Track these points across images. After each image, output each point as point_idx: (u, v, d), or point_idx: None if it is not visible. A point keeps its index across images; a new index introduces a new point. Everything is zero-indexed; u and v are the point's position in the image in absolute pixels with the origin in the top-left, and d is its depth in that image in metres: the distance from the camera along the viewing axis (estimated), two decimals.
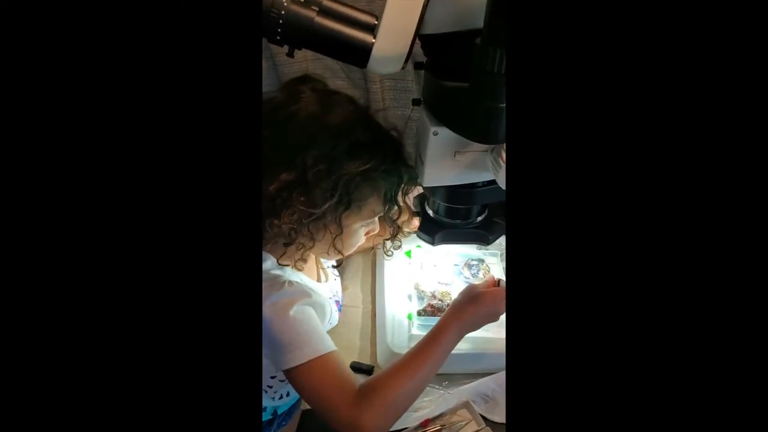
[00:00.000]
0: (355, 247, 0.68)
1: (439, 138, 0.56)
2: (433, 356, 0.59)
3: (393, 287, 0.81)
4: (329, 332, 0.79)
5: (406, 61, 0.50)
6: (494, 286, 0.67)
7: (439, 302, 0.78)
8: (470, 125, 0.51)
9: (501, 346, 0.72)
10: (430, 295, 0.79)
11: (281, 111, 0.56)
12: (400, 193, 0.65)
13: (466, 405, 0.66)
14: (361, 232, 0.66)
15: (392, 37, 0.48)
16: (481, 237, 0.69)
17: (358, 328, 0.80)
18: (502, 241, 0.74)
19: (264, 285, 0.59)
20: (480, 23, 0.44)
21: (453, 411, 0.66)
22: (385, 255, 0.81)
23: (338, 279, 0.82)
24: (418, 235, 0.69)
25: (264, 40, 0.48)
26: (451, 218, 0.67)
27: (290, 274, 0.64)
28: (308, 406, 0.67)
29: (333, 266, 0.76)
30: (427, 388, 0.69)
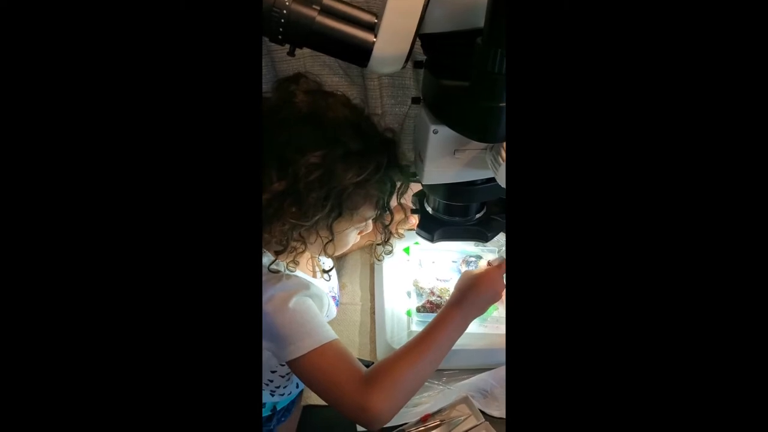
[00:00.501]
0: (348, 247, 0.68)
1: (439, 136, 0.56)
2: (438, 341, 0.60)
3: (392, 284, 0.81)
4: None
5: (407, 60, 0.50)
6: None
7: (438, 299, 0.78)
8: (470, 124, 0.52)
9: (498, 342, 0.73)
10: (429, 291, 0.80)
11: (273, 115, 0.56)
12: (394, 195, 0.65)
13: (465, 400, 0.67)
14: (353, 234, 0.66)
15: (393, 36, 0.48)
16: (480, 234, 0.69)
17: (357, 325, 0.81)
18: (499, 237, 0.74)
19: (262, 279, 0.59)
20: (480, 23, 0.44)
21: (452, 406, 0.67)
22: (376, 260, 0.81)
23: (334, 276, 0.83)
24: (417, 233, 0.69)
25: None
26: (450, 215, 0.67)
27: (286, 268, 0.64)
28: (309, 402, 0.68)
29: (324, 271, 0.76)
30: (427, 383, 0.70)
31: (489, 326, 0.75)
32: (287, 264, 0.62)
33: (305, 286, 0.61)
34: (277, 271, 0.61)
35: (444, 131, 0.55)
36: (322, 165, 0.53)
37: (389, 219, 0.64)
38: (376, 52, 0.49)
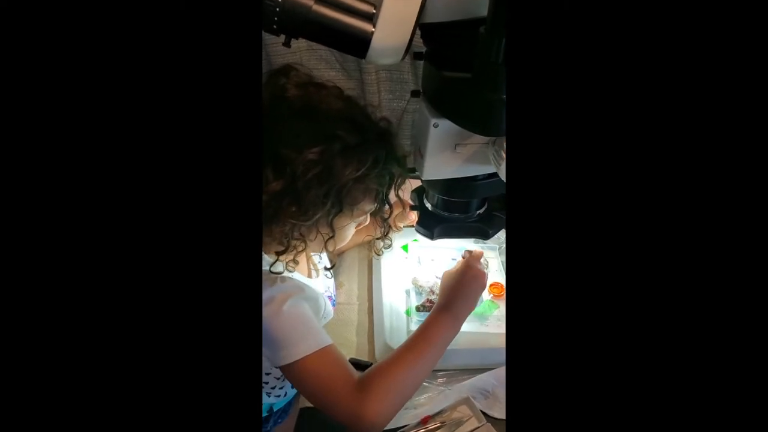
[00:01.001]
0: (347, 241, 0.67)
1: (440, 130, 0.54)
2: (432, 344, 0.59)
3: (390, 282, 0.80)
4: (325, 329, 0.78)
5: (407, 51, 0.48)
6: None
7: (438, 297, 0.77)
8: (472, 117, 0.50)
9: (499, 342, 0.71)
10: (429, 290, 0.78)
11: (265, 111, 0.53)
12: (392, 189, 0.64)
13: (466, 401, 0.65)
14: (352, 228, 0.65)
15: (392, 26, 0.47)
16: (481, 231, 0.68)
17: (354, 325, 0.79)
18: (500, 235, 0.73)
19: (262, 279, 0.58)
20: (483, 11, 0.43)
21: (453, 407, 0.65)
22: (375, 254, 0.80)
23: (331, 276, 0.81)
24: (416, 230, 0.68)
25: None
26: (450, 212, 0.66)
27: (286, 268, 0.62)
28: (307, 404, 0.67)
29: (326, 268, 0.74)
30: (426, 384, 0.68)
31: (490, 325, 0.74)
32: (287, 264, 0.60)
33: (300, 288, 0.60)
34: (279, 273, 0.60)
35: (445, 125, 0.54)
36: (320, 161, 0.52)
37: (388, 213, 0.63)
38: (375, 42, 0.47)
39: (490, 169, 0.57)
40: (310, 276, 0.75)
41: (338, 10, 0.47)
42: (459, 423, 0.63)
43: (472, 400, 0.65)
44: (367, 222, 0.66)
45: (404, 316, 0.75)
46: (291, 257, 0.59)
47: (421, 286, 0.79)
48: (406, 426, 0.63)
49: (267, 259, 0.60)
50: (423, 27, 0.50)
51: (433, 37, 0.53)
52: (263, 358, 0.58)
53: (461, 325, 0.63)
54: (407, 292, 0.79)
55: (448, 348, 0.61)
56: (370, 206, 0.61)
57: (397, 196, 0.67)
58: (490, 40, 0.42)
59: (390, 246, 0.75)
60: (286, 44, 0.49)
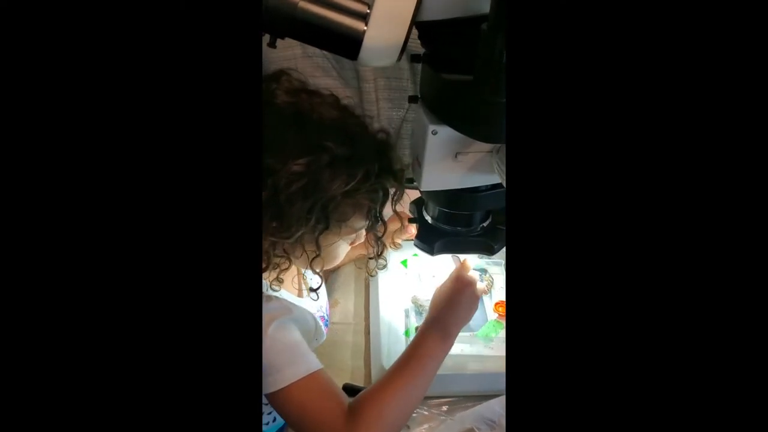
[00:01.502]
0: (339, 260, 0.62)
1: (439, 137, 0.50)
2: (421, 363, 0.55)
3: (388, 301, 0.75)
4: (318, 351, 0.73)
5: (402, 51, 0.45)
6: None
7: None
8: (473, 122, 0.46)
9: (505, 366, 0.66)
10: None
11: None
12: (388, 202, 0.59)
13: None
14: (344, 246, 0.60)
15: (386, 24, 0.43)
16: (485, 246, 0.63)
17: (349, 347, 0.75)
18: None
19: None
20: (485, 8, 0.39)
21: None
22: (369, 275, 0.75)
23: (323, 294, 0.77)
24: (415, 244, 0.63)
25: None
26: (451, 225, 0.61)
27: (268, 288, 0.58)
28: None
29: (311, 289, 0.70)
30: (427, 413, 0.63)
31: (495, 347, 0.69)
32: (270, 283, 0.56)
33: (287, 309, 0.56)
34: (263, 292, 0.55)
35: (444, 132, 0.50)
36: (305, 174, 0.48)
37: (382, 230, 0.58)
38: (368, 41, 0.43)
39: (494, 180, 0.53)
40: (300, 295, 0.70)
41: (327, 7, 0.43)
42: None
43: (477, 431, 0.60)
44: (362, 240, 0.62)
45: (403, 337, 0.70)
46: (275, 276, 0.55)
47: (421, 305, 0.74)
48: None
49: None
50: (420, 26, 0.46)
51: (431, 37, 0.49)
52: None
53: (453, 341, 0.58)
54: (406, 312, 0.74)
55: (450, 373, 0.57)
56: (360, 223, 0.56)
57: (395, 210, 0.63)
58: (492, 38, 0.38)
59: (385, 267, 0.71)
60: (272, 45, 0.46)
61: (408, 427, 0.63)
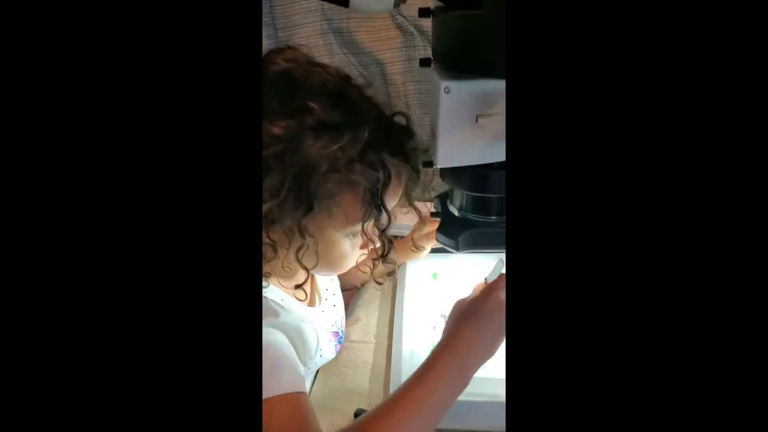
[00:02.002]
0: (344, 264, 0.53)
1: (453, 96, 0.43)
2: (430, 396, 0.42)
3: (413, 316, 0.65)
4: (327, 372, 0.63)
5: None
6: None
7: None
8: (489, 61, 0.38)
9: None
10: None
11: None
12: (401, 197, 0.51)
13: None
14: (347, 245, 0.50)
15: None
16: None
17: (368, 367, 0.64)
18: None
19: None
20: None
21: None
22: (375, 284, 0.65)
23: (340, 307, 0.67)
24: (437, 239, 0.54)
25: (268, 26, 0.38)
26: (480, 214, 0.51)
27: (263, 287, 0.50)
28: None
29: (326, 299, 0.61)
30: None
31: None
32: None
33: (273, 312, 0.47)
34: None
35: (460, 89, 0.42)
36: (284, 138, 0.41)
37: (387, 223, 0.48)
38: None
39: None
40: (313, 304, 0.62)
41: None
42: None
43: None
44: (376, 244, 0.52)
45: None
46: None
47: None
48: None
49: None
50: None
51: None
52: None
53: (471, 375, 0.45)
54: (434, 328, 0.63)
55: (470, 400, 0.44)
56: (357, 211, 0.46)
57: (410, 203, 0.54)
58: None
59: (393, 272, 0.61)
60: None
61: None
